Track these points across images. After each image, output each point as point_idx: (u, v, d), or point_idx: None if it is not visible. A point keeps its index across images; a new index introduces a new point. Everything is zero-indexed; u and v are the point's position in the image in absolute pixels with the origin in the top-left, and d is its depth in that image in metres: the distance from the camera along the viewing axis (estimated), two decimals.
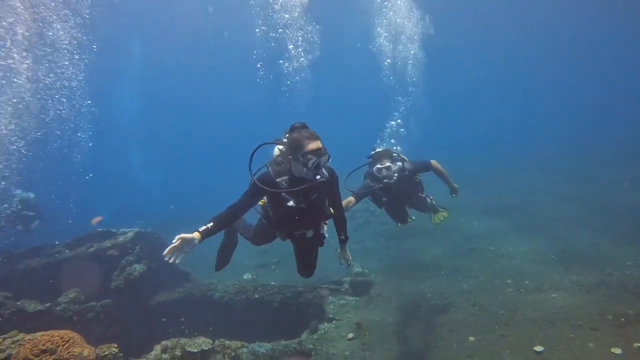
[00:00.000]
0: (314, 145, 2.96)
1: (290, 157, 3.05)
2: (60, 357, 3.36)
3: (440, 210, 5.70)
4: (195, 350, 4.77)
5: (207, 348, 4.91)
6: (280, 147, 3.28)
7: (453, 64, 36.60)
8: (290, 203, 3.16)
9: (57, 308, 6.42)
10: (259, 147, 3.12)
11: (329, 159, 3.08)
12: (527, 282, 6.61)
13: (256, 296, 7.69)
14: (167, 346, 4.70)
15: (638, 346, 4.38)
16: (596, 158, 17.07)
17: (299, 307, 7.41)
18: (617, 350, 4.37)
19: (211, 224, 2.95)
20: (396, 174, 4.82)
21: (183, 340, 4.88)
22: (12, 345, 3.40)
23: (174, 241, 2.67)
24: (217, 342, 5.24)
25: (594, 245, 8.18)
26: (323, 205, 3.43)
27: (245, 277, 9.09)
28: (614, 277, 6.43)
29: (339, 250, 3.88)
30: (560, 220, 9.90)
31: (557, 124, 28.89)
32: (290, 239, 3.63)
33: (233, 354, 5.22)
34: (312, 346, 5.98)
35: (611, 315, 5.02)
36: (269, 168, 3.20)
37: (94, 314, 6.63)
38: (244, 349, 5.54)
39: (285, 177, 3.11)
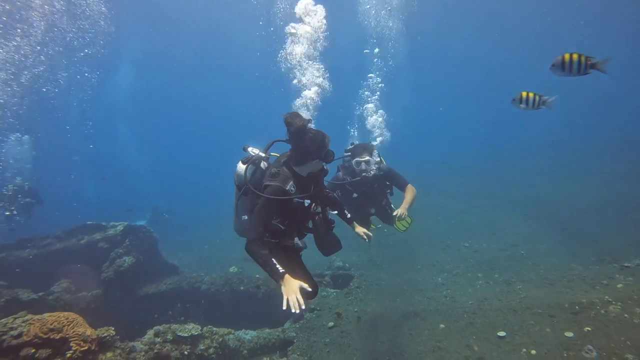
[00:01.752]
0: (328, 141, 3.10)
1: (310, 158, 3.03)
2: (66, 336, 3.67)
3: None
4: (186, 335, 5.08)
5: (196, 333, 5.23)
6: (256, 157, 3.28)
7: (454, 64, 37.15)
8: (307, 202, 3.16)
9: (50, 297, 6.64)
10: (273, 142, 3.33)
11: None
12: (496, 275, 7.11)
13: (241, 288, 8.02)
14: (160, 331, 5.00)
15: (588, 330, 4.87)
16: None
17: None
18: (570, 334, 4.86)
19: (278, 265, 2.76)
20: (373, 170, 4.81)
21: (174, 326, 5.18)
22: (23, 324, 3.68)
23: (290, 294, 2.59)
24: (205, 328, 5.56)
25: (562, 243, 8.76)
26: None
27: (231, 270, 9.39)
28: (576, 271, 6.98)
29: (354, 230, 3.77)
30: (532, 220, 10.50)
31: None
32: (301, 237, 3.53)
33: (220, 339, 5.54)
34: (294, 334, 6.35)
35: (567, 303, 5.51)
36: (279, 183, 3.00)
37: (85, 304, 6.85)
38: (231, 336, 5.87)
39: (291, 182, 3.03)
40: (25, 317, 3.77)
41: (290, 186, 3.00)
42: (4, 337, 3.60)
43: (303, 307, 2.57)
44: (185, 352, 5.09)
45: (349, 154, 5.01)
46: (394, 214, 4.58)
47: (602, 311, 5.16)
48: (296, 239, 3.43)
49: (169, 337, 5.01)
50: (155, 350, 4.74)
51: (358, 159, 4.77)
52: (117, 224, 8.33)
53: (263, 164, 3.27)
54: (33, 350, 3.54)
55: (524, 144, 24.11)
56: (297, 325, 6.46)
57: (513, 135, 28.58)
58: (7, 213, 8.77)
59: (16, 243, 8.06)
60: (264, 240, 2.94)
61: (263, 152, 3.34)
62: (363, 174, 4.76)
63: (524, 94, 3.71)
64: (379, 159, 5.00)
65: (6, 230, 8.56)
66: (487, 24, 31.17)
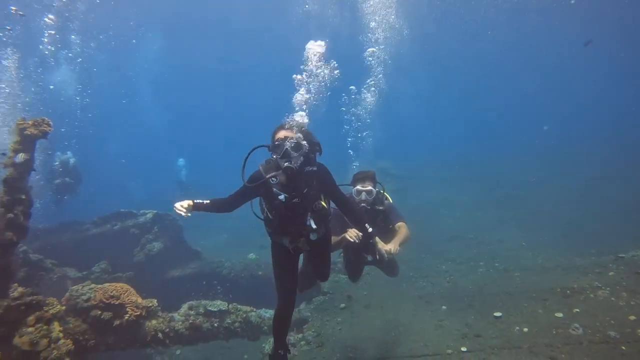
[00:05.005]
0: (282, 133, 3.10)
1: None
2: (123, 302, 4.41)
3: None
4: (215, 310, 5.76)
5: (224, 309, 5.91)
6: None
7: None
8: (281, 197, 3.15)
9: (92, 276, 7.41)
10: (253, 150, 3.21)
11: (301, 149, 3.03)
12: (497, 264, 7.63)
13: (259, 273, 8.70)
14: (193, 305, 5.70)
15: (576, 311, 5.37)
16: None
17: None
18: (560, 314, 5.36)
19: (207, 201, 3.29)
20: (370, 202, 4.25)
21: (204, 302, 5.88)
22: (90, 291, 4.43)
23: (182, 204, 3.18)
24: (230, 305, 6.23)
25: (564, 236, 9.20)
26: (315, 199, 3.32)
27: (249, 256, 10.06)
28: (573, 262, 7.44)
29: (375, 244, 3.70)
30: (536, 214, 10.94)
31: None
32: (296, 246, 3.47)
33: (244, 315, 6.22)
34: (309, 314, 6.99)
35: (559, 288, 6.02)
36: (260, 167, 3.25)
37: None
38: (253, 313, 6.54)
39: (273, 172, 3.14)
40: (91, 286, 4.50)
41: (271, 176, 3.12)
42: (77, 300, 4.36)
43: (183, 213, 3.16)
44: (215, 325, 5.77)
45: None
46: (386, 248, 3.92)
47: (591, 295, 5.67)
48: (286, 240, 3.41)
49: (201, 310, 5.70)
50: (190, 321, 5.44)
51: (359, 187, 4.19)
52: (146, 211, 9.08)
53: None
54: (100, 312, 4.28)
55: (529, 144, 24.34)
56: (312, 306, 7.10)
57: (517, 136, 28.77)
58: (58, 181, 9.20)
59: (57, 227, 8.86)
60: (226, 202, 3.35)
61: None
62: (362, 204, 4.16)
63: None
64: (382, 192, 4.46)
65: (54, 210, 9.22)
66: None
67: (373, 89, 7.81)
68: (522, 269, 7.25)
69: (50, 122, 3.89)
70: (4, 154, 3.80)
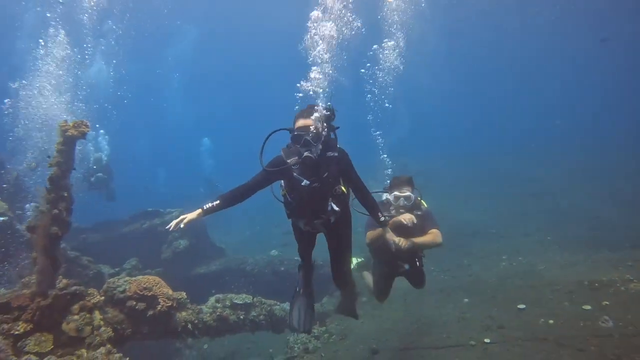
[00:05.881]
0: (301, 122, 3.10)
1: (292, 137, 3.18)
2: (155, 294, 4.68)
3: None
4: (240, 302, 5.97)
5: (249, 302, 6.12)
6: None
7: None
8: (304, 183, 3.19)
9: (123, 272, 7.77)
10: (271, 134, 3.24)
11: (320, 138, 3.09)
12: (520, 258, 7.56)
13: (282, 269, 8.90)
14: (219, 298, 5.94)
15: (606, 303, 5.27)
16: None
17: (319, 277, 8.53)
18: (587, 307, 5.28)
19: (217, 202, 3.17)
20: (408, 208, 4.18)
21: (230, 295, 6.10)
22: (125, 284, 4.73)
23: (178, 220, 3.04)
24: (255, 298, 6.43)
25: (592, 230, 8.98)
26: (335, 184, 3.34)
27: (272, 253, 10.30)
28: (602, 255, 7.28)
29: (385, 234, 3.68)
30: (562, 208, 10.72)
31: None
32: (314, 229, 3.57)
33: (269, 308, 6.41)
34: (331, 307, 7.13)
35: (587, 281, 5.92)
36: (282, 152, 3.29)
37: None
38: (276, 306, 6.72)
39: (295, 158, 3.16)
40: (125, 278, 4.79)
41: (292, 161, 3.17)
42: (114, 291, 4.66)
43: (181, 226, 3.03)
44: (241, 317, 5.99)
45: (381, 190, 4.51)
46: (395, 239, 3.77)
47: (622, 288, 5.54)
48: (301, 223, 3.49)
49: (227, 303, 5.93)
50: (218, 313, 5.67)
51: (397, 193, 4.15)
52: (172, 210, 9.44)
53: None
54: (134, 303, 4.55)
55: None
56: (334, 300, 7.23)
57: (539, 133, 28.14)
58: (92, 179, 9.59)
59: (92, 226, 9.33)
60: (244, 190, 3.26)
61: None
62: (401, 210, 4.11)
63: None
64: (419, 197, 4.39)
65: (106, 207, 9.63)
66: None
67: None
68: (547, 262, 7.16)
69: (88, 123, 4.17)
70: (48, 157, 4.11)
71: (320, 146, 3.11)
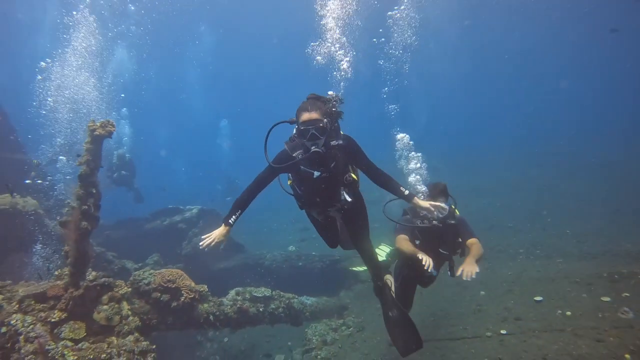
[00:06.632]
0: (306, 116, 3.02)
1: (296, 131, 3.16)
2: (178, 286, 4.91)
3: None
4: (260, 295, 6.15)
5: (268, 295, 6.29)
6: None
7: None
8: (315, 175, 3.19)
9: (147, 267, 8.06)
10: (273, 127, 3.22)
11: (326, 131, 3.05)
12: (538, 251, 7.51)
13: (300, 264, 9.05)
14: (239, 291, 6.13)
15: (626, 295, 5.21)
16: None
17: (337, 272, 8.68)
18: (607, 299, 5.22)
19: (239, 211, 3.20)
20: (447, 218, 4.04)
21: (250, 288, 6.29)
22: (150, 276, 4.97)
23: (207, 238, 3.10)
24: (274, 292, 6.60)
25: (613, 222, 8.80)
26: (344, 172, 3.34)
27: (289, 249, 10.47)
28: (623, 248, 7.16)
29: (418, 203, 3.43)
30: (581, 202, 10.54)
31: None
32: (327, 216, 3.63)
33: (287, 301, 6.57)
34: (349, 301, 7.25)
35: (606, 273, 5.85)
36: (286, 146, 3.26)
37: None
38: (295, 300, 6.88)
39: (300, 151, 3.15)
40: (150, 271, 5.03)
41: (298, 154, 3.14)
42: (140, 283, 4.90)
43: (213, 243, 3.08)
44: (260, 309, 6.16)
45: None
46: (465, 270, 3.66)
47: None
48: (315, 213, 3.57)
49: (247, 296, 6.11)
50: (238, 305, 5.86)
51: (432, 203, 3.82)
52: (192, 207, 9.73)
53: None
54: (159, 295, 4.78)
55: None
56: (352, 294, 7.35)
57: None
58: (115, 175, 9.90)
59: (116, 224, 9.70)
60: (253, 190, 3.27)
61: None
62: (434, 222, 4.00)
63: None
64: (453, 207, 4.24)
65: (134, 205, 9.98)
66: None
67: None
68: (565, 255, 7.10)
69: (114, 123, 4.40)
70: (78, 155, 4.35)
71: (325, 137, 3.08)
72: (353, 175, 3.37)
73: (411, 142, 5.47)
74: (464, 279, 3.51)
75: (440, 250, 4.24)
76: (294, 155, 3.16)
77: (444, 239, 4.17)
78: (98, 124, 4.32)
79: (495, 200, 11.65)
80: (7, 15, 20.91)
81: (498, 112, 40.86)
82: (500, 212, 10.62)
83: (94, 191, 4.38)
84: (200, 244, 3.09)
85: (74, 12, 9.18)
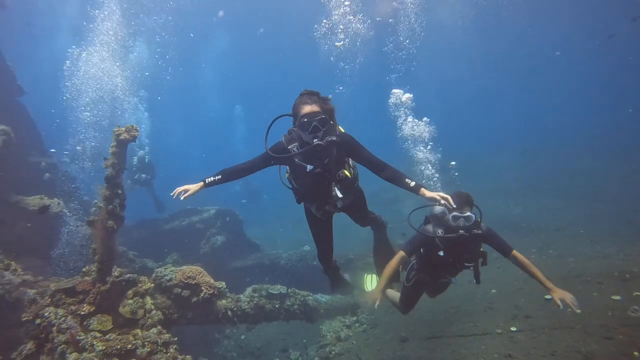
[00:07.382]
0: (308, 108, 3.07)
1: (295, 123, 3.23)
2: (198, 282, 5.18)
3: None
4: (276, 293, 6.37)
5: (283, 292, 6.50)
6: None
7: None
8: (308, 168, 3.24)
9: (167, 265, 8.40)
10: (275, 119, 3.31)
11: (327, 124, 3.12)
12: (550, 250, 7.51)
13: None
14: (256, 288, 6.36)
15: (637, 294, 5.23)
16: None
17: (351, 271, 8.81)
18: (617, 297, 5.26)
19: (219, 176, 3.28)
20: (473, 228, 3.87)
21: (266, 285, 6.52)
22: (171, 273, 5.27)
23: (181, 189, 3.19)
24: (289, 289, 6.81)
25: (629, 224, 8.71)
26: (338, 169, 3.36)
27: (304, 248, 10.65)
28: (637, 248, 7.11)
29: (425, 195, 3.38)
30: (597, 202, 10.43)
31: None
32: (325, 211, 3.69)
33: (302, 299, 6.77)
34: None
35: (617, 272, 5.87)
36: (283, 138, 3.34)
37: None
38: (310, 297, 7.07)
39: (295, 144, 3.23)
40: (171, 268, 5.31)
41: (293, 147, 3.24)
42: (162, 280, 5.19)
43: (185, 194, 3.18)
44: (276, 306, 6.38)
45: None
46: (563, 298, 3.74)
47: None
48: (313, 207, 3.64)
49: (263, 293, 6.34)
50: (254, 302, 6.09)
51: (456, 213, 3.80)
52: (209, 208, 10.03)
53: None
54: (180, 290, 5.05)
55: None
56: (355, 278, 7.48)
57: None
58: (135, 176, 10.21)
59: (136, 224, 10.08)
60: (244, 168, 3.36)
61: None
62: (461, 231, 3.81)
63: None
64: (478, 217, 3.99)
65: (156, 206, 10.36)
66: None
67: None
68: (577, 255, 7.09)
69: (138, 128, 4.69)
70: (105, 159, 4.65)
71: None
72: (346, 172, 3.39)
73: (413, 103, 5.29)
74: (568, 311, 3.67)
75: (465, 263, 4.12)
76: (289, 147, 3.24)
77: (469, 248, 4.02)
78: (123, 129, 4.61)
79: (509, 199, 11.61)
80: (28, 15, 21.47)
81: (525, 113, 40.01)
82: (514, 212, 10.60)
83: (120, 192, 4.68)
84: (172, 192, 3.20)
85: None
